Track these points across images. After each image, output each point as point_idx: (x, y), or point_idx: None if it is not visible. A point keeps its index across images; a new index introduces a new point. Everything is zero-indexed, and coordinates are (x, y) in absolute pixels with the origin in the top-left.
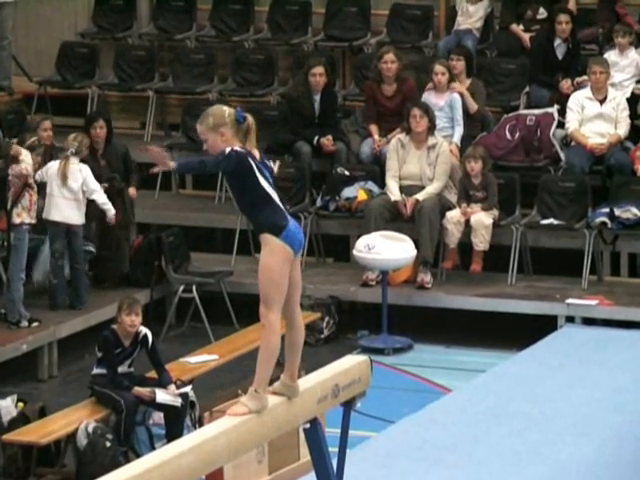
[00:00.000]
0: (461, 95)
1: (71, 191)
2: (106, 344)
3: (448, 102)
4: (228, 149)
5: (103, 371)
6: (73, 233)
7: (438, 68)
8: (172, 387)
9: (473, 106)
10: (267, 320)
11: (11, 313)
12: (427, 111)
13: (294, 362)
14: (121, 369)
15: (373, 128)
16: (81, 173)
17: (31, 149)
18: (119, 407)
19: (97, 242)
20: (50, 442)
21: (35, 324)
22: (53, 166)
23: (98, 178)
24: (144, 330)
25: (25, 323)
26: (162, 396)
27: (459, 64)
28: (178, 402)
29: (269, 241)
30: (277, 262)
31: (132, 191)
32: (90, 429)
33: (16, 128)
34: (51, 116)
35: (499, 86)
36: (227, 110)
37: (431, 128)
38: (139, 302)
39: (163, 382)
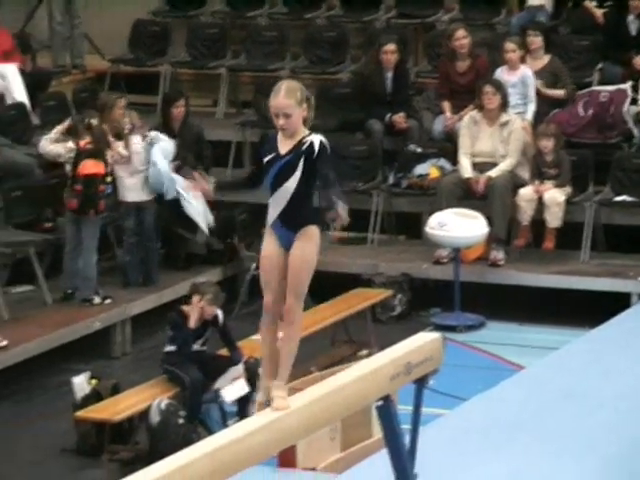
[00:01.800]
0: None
1: (135, 169)
2: (174, 326)
3: (520, 79)
4: (317, 139)
5: (174, 349)
6: (143, 210)
7: (509, 45)
8: (239, 368)
9: (558, 94)
10: (298, 315)
11: (86, 290)
12: (499, 88)
13: (284, 367)
14: (194, 347)
15: (446, 105)
16: (144, 149)
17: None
18: (184, 384)
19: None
20: (123, 419)
21: (108, 301)
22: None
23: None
24: (215, 311)
25: (98, 300)
26: (230, 393)
27: (537, 40)
28: (245, 390)
29: (316, 233)
30: (316, 256)
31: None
32: (163, 406)
33: (88, 106)
34: (125, 95)
35: (572, 63)
36: (299, 84)
37: (503, 105)
38: (222, 296)
39: (234, 360)
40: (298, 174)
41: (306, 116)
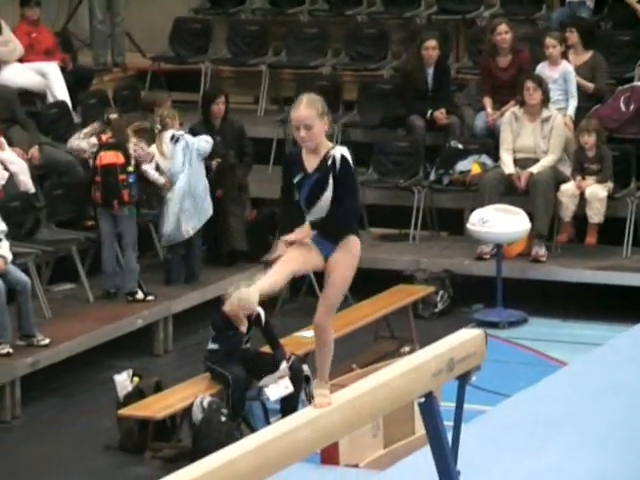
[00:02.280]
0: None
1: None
2: (216, 327)
3: (562, 74)
4: (339, 152)
5: (217, 347)
6: None
7: (549, 41)
8: (284, 368)
9: (587, 86)
10: (329, 323)
11: (130, 283)
12: (541, 83)
13: (324, 366)
14: None
15: (487, 101)
16: (185, 140)
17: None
18: (227, 382)
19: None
20: (166, 417)
21: (150, 297)
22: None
23: (212, 153)
24: (257, 310)
25: (141, 295)
26: (274, 392)
27: (572, 36)
28: (290, 389)
29: (356, 244)
30: (355, 269)
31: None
32: (205, 404)
33: (130, 104)
34: (168, 93)
35: (614, 58)
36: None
37: (545, 101)
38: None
39: (277, 358)
40: (330, 190)
41: (327, 129)
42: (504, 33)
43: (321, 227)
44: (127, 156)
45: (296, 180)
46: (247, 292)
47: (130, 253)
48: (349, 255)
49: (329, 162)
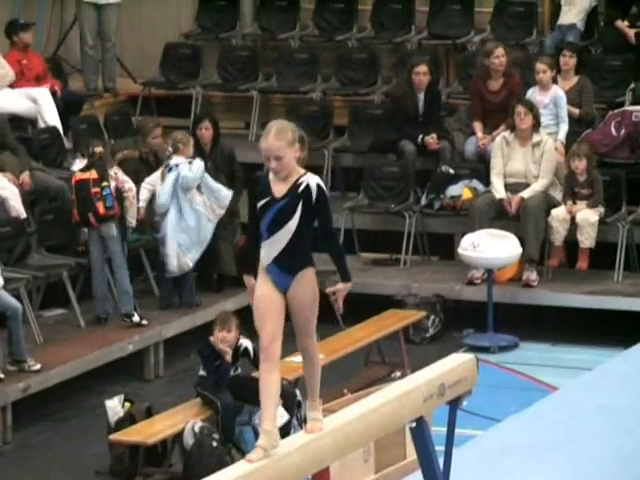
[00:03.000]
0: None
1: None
2: (202, 357)
3: (552, 99)
4: (314, 182)
5: (206, 374)
6: None
7: (539, 66)
8: None
9: (574, 111)
10: (314, 349)
11: (126, 305)
12: (532, 108)
13: (314, 389)
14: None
15: (477, 125)
16: (179, 171)
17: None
18: (216, 409)
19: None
20: (157, 442)
21: (144, 322)
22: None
23: None
24: (244, 343)
25: (137, 318)
26: None
27: (571, 61)
28: (285, 418)
29: (313, 275)
30: (317, 295)
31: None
32: (197, 429)
33: (121, 129)
34: (158, 120)
35: (604, 82)
36: (290, 124)
37: (536, 125)
38: (232, 318)
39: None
40: (297, 217)
41: (300, 156)
42: (501, 57)
43: (281, 258)
44: (101, 173)
45: (261, 203)
46: (275, 436)
47: (122, 275)
48: (309, 287)
49: (300, 189)
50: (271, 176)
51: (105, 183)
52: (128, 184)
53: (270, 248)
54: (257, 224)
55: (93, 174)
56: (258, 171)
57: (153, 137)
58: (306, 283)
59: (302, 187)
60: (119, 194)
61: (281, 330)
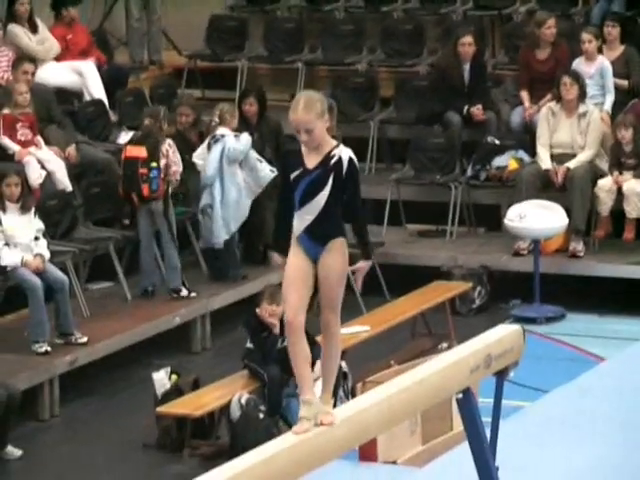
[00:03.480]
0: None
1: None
2: (249, 329)
3: (598, 70)
4: (346, 154)
5: (253, 346)
6: None
7: (585, 36)
8: (317, 367)
9: (623, 84)
10: (337, 328)
11: (174, 280)
12: (577, 79)
13: (330, 380)
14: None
15: (524, 95)
16: (225, 142)
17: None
18: (263, 381)
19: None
20: (204, 414)
21: (193, 294)
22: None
23: None
24: None
25: (185, 292)
26: None
27: (614, 31)
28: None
29: (343, 245)
30: (346, 267)
31: None
32: (243, 401)
33: (166, 102)
34: (189, 96)
35: None
36: (319, 94)
37: (581, 96)
38: (281, 292)
39: (314, 355)
40: (328, 189)
41: (330, 126)
42: (552, 27)
43: (312, 228)
44: (152, 152)
45: (294, 175)
46: (316, 403)
47: (170, 250)
48: (339, 257)
49: (332, 161)
50: (303, 147)
51: (154, 163)
52: (175, 166)
53: (302, 218)
54: (286, 199)
55: (143, 152)
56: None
57: (180, 114)
58: (336, 252)
59: (334, 160)
60: (166, 172)
61: (307, 301)
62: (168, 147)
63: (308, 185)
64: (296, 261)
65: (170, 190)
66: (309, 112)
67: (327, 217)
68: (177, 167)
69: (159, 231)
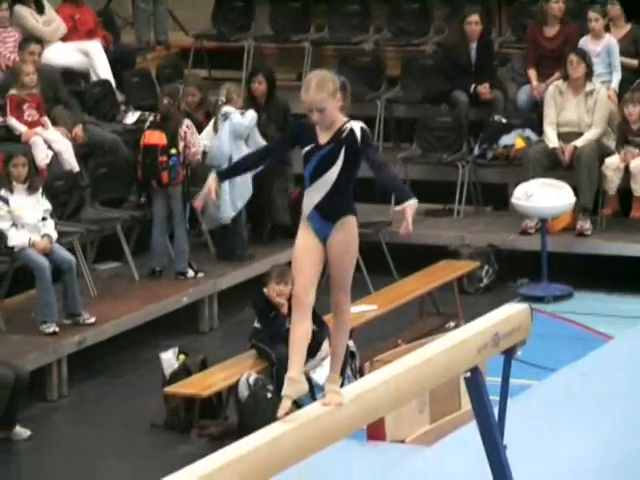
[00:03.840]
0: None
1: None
2: (257, 309)
3: (605, 48)
4: (357, 125)
5: (261, 326)
6: None
7: (591, 14)
8: (326, 348)
9: (632, 63)
10: (347, 307)
11: (181, 263)
12: (584, 57)
13: (338, 360)
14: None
15: (532, 73)
16: (231, 119)
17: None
18: (271, 360)
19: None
20: (212, 394)
21: (200, 274)
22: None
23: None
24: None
25: (191, 274)
26: (321, 375)
27: (614, 9)
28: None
29: (354, 224)
30: (357, 246)
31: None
32: (251, 381)
33: (173, 82)
34: (196, 75)
35: None
36: (330, 73)
37: (588, 74)
38: (289, 271)
39: (322, 335)
40: (339, 164)
41: (342, 105)
42: (561, 1)
43: (323, 204)
44: (171, 137)
45: (306, 150)
46: (295, 389)
47: (180, 233)
48: (349, 235)
49: (343, 134)
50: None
51: (173, 150)
52: (194, 148)
53: (312, 195)
54: (266, 151)
55: (163, 139)
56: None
57: (186, 94)
58: (346, 230)
59: (345, 133)
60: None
61: (316, 280)
62: (187, 128)
63: (319, 160)
64: (305, 240)
65: (189, 172)
66: (321, 91)
67: (338, 193)
68: (196, 148)
69: (172, 214)
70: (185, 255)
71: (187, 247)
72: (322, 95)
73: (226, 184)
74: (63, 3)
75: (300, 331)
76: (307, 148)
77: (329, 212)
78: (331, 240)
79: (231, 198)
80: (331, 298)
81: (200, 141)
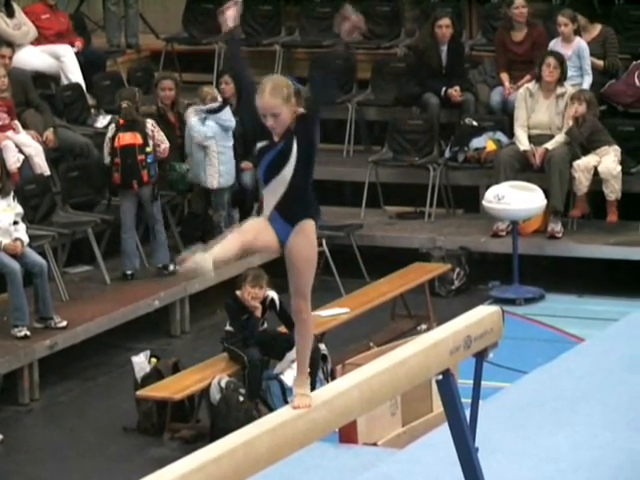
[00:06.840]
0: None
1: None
2: (230, 312)
3: (575, 51)
4: (300, 111)
5: (233, 329)
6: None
7: (560, 19)
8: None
9: (598, 63)
10: (308, 313)
11: (163, 258)
12: (562, 62)
13: (304, 363)
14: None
15: (504, 76)
16: (205, 124)
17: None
18: (243, 363)
19: None
20: (184, 397)
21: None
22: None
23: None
24: (270, 294)
25: (172, 267)
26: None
27: (579, 17)
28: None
29: (312, 229)
30: (316, 252)
31: (246, 165)
32: (223, 384)
33: (144, 86)
34: (172, 74)
35: (627, 33)
36: (285, 79)
37: (561, 79)
38: (263, 275)
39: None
40: (293, 161)
41: (297, 110)
42: (521, 7)
43: (281, 206)
44: (144, 137)
45: (261, 145)
46: (202, 257)
47: (159, 229)
48: (307, 240)
49: (293, 126)
50: None
51: (149, 149)
52: (163, 144)
53: (270, 196)
54: (255, 111)
55: (138, 139)
56: None
57: (161, 89)
58: (303, 235)
59: (294, 123)
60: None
61: (238, 251)
62: (152, 127)
63: (272, 159)
64: (262, 224)
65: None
66: (275, 97)
67: (296, 193)
68: (165, 144)
69: (147, 214)
70: (166, 248)
71: (166, 241)
72: (276, 100)
73: (215, 158)
74: (34, 5)
75: None
76: (263, 143)
77: (288, 214)
78: (289, 245)
79: (219, 172)
80: (291, 305)
81: (164, 137)
